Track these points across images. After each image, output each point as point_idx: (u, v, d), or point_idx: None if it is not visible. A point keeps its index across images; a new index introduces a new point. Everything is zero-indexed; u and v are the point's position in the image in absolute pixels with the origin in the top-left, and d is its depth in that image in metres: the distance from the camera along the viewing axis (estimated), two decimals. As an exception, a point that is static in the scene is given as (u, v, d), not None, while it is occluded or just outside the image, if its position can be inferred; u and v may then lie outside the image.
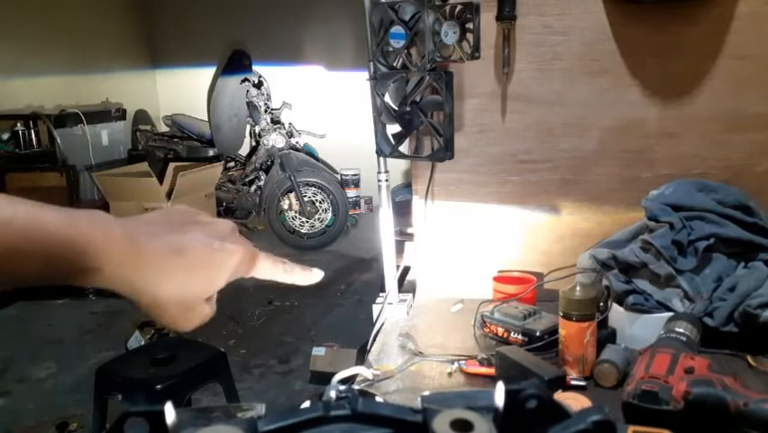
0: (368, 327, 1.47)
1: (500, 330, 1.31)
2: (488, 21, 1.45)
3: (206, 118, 5.60)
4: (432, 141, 1.34)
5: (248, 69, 5.59)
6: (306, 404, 0.37)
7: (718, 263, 1.26)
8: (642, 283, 1.28)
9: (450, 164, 1.43)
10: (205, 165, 4.98)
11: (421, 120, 1.33)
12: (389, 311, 1.51)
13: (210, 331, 3.51)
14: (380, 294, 1.56)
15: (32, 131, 4.56)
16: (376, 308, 1.51)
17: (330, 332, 3.37)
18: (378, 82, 1.33)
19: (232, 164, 5.57)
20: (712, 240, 1.26)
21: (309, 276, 0.58)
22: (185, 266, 0.48)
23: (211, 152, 5.48)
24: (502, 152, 1.58)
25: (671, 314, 1.19)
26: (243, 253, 0.51)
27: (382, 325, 1.46)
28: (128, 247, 0.45)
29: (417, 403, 0.34)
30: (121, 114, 5.56)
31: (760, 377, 1.10)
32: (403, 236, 1.84)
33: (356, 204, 5.79)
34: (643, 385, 0.94)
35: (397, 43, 1.27)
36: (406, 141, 1.39)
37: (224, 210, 5.42)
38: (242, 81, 5.39)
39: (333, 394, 0.34)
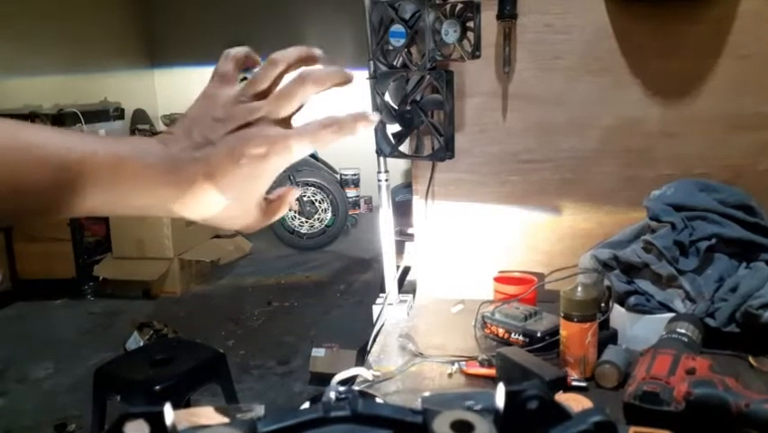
0: (368, 328, 1.47)
1: (501, 331, 1.31)
2: (488, 19, 1.45)
3: (206, 118, 5.59)
4: (432, 140, 1.34)
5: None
6: (306, 405, 0.36)
7: (720, 264, 1.26)
8: (643, 284, 1.27)
9: (450, 164, 1.43)
10: (204, 165, 4.98)
11: (421, 119, 1.33)
12: (389, 312, 1.50)
13: (209, 332, 3.51)
14: (380, 294, 1.55)
15: (31, 130, 4.55)
16: (376, 309, 1.51)
17: (330, 333, 3.37)
18: (378, 81, 1.33)
19: (231, 164, 5.57)
20: (714, 240, 1.26)
21: (360, 121, 0.49)
22: (216, 190, 0.47)
23: (210, 152, 5.48)
24: (503, 151, 1.58)
25: (672, 315, 1.19)
26: (271, 153, 0.47)
27: (382, 325, 1.46)
28: (164, 176, 0.47)
29: (418, 404, 0.34)
30: (119, 113, 5.56)
31: (762, 378, 1.10)
32: (403, 236, 1.84)
33: (356, 204, 5.79)
34: (644, 386, 0.94)
35: (398, 42, 1.27)
36: (407, 140, 1.39)
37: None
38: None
39: (332, 395, 0.34)
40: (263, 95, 0.50)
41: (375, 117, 0.49)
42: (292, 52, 0.50)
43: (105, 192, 0.46)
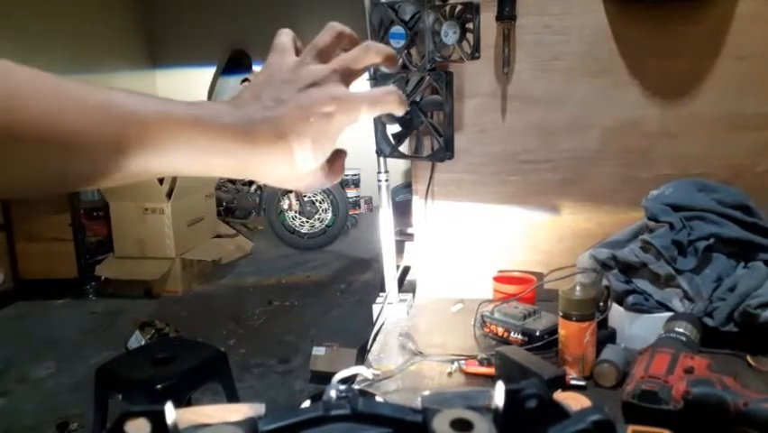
0: (368, 327, 1.48)
1: (500, 330, 1.31)
2: (488, 21, 1.45)
3: (206, 118, 5.60)
4: (432, 141, 1.34)
5: (248, 69, 5.59)
6: (307, 404, 0.37)
7: (718, 263, 1.26)
8: (642, 283, 1.28)
9: (450, 164, 1.43)
10: (205, 165, 4.98)
11: (421, 120, 1.33)
12: (389, 311, 1.51)
13: (210, 331, 3.51)
14: (380, 294, 1.56)
15: (32, 131, 4.55)
16: (376, 308, 1.51)
17: (330, 332, 3.37)
18: (378, 82, 1.33)
19: (232, 164, 5.57)
20: (712, 240, 1.26)
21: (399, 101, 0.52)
22: (288, 149, 0.48)
23: (211, 152, 5.48)
24: (502, 151, 1.58)
25: (670, 314, 1.19)
26: (338, 111, 0.48)
27: (382, 325, 1.46)
28: (238, 139, 0.47)
29: (417, 403, 0.34)
30: (121, 114, 5.56)
31: (760, 377, 1.10)
32: (403, 236, 1.84)
33: (356, 204, 5.79)
34: (642, 385, 0.94)
35: (397, 43, 1.27)
36: (406, 141, 1.39)
37: (224, 210, 5.41)
38: (242, 81, 5.40)
39: (333, 394, 0.34)
40: (324, 59, 0.52)
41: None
42: (347, 28, 0.54)
43: (182, 151, 0.46)
